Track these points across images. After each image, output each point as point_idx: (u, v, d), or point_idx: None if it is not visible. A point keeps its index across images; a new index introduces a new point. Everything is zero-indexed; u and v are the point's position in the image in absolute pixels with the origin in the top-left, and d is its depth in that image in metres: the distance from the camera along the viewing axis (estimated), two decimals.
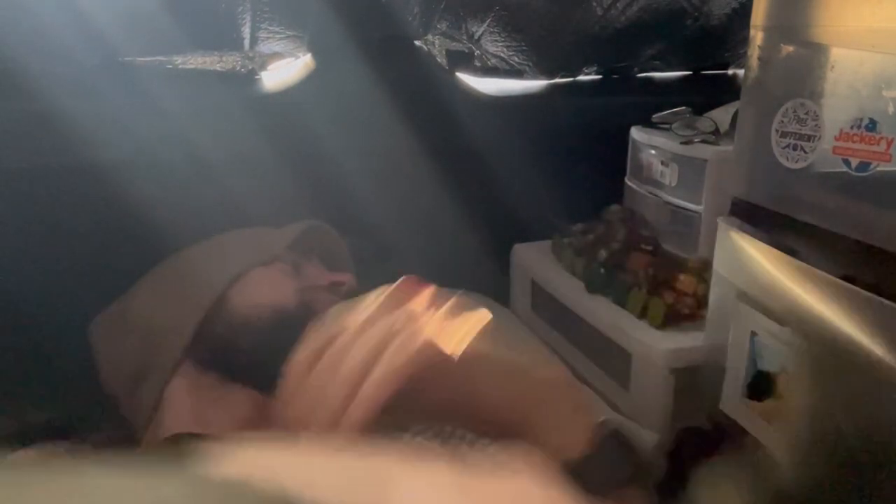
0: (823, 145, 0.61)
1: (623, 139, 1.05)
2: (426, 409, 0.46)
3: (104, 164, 0.84)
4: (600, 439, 0.49)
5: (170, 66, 0.94)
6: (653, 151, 0.98)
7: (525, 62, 1.14)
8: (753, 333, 0.69)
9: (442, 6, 0.99)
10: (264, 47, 0.97)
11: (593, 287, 0.93)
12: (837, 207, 0.62)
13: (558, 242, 1.05)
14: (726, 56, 1.25)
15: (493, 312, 1.12)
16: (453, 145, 1.06)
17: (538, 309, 1.08)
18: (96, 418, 0.71)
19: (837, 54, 0.60)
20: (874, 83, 0.56)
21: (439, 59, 1.11)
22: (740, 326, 0.71)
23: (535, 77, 1.18)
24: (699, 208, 0.89)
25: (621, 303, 0.87)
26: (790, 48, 0.65)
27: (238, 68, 0.99)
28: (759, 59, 0.68)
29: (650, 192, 0.99)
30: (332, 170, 0.99)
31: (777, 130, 0.66)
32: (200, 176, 0.88)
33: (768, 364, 0.68)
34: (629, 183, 1.05)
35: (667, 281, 0.86)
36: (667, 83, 1.27)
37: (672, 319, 0.82)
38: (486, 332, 0.46)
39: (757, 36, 0.68)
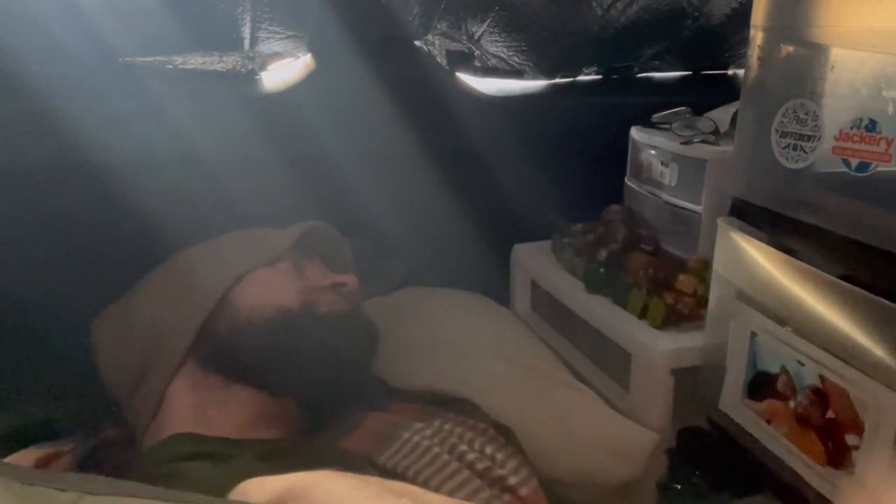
0: (823, 145, 0.61)
1: (623, 139, 1.05)
2: None
3: (104, 164, 0.84)
4: None
5: (170, 66, 0.94)
6: (653, 151, 0.98)
7: (525, 62, 1.14)
8: (753, 333, 0.69)
9: (442, 6, 0.99)
10: (264, 47, 0.97)
11: (593, 287, 0.93)
12: (837, 207, 0.62)
13: (558, 242, 1.05)
14: (726, 56, 1.25)
15: (493, 312, 1.13)
16: (453, 145, 1.06)
17: (538, 309, 1.08)
18: (96, 418, 0.71)
19: (837, 54, 0.60)
20: (874, 83, 0.56)
21: (439, 59, 1.11)
22: (740, 326, 0.71)
23: (535, 77, 1.18)
24: (699, 208, 0.89)
25: (621, 303, 0.88)
26: (790, 48, 0.65)
27: (238, 68, 0.99)
28: (759, 59, 0.68)
29: (650, 192, 0.99)
30: (332, 170, 0.99)
31: (777, 130, 0.66)
32: (200, 176, 0.88)
33: (768, 364, 0.68)
34: (629, 183, 1.06)
35: (667, 281, 0.86)
36: (667, 83, 1.27)
37: (672, 319, 0.82)
38: None
39: (757, 36, 0.68)
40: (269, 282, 0.71)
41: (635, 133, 1.04)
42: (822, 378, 0.62)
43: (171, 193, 0.85)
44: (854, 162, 0.58)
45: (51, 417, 0.71)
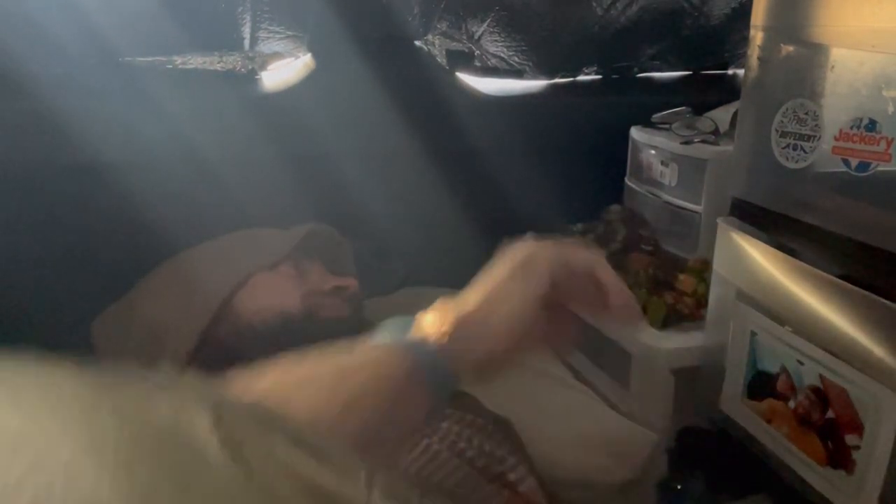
0: (823, 145, 0.61)
1: (623, 139, 1.05)
2: None
3: (104, 164, 0.84)
4: None
5: (170, 66, 0.94)
6: (653, 151, 0.98)
7: (525, 62, 1.14)
8: (753, 333, 0.69)
9: (442, 6, 0.99)
10: (264, 47, 0.97)
11: None
12: (837, 207, 0.62)
13: None
14: (726, 56, 1.25)
15: None
16: (453, 145, 1.06)
17: None
18: None
19: (837, 54, 0.60)
20: (874, 83, 0.56)
21: (439, 59, 1.11)
22: (740, 326, 0.71)
23: (535, 77, 1.18)
24: (699, 208, 0.89)
25: None
26: (790, 48, 0.65)
27: (238, 68, 0.99)
28: (759, 59, 0.68)
29: (650, 192, 0.99)
30: (332, 169, 0.99)
31: (777, 130, 0.66)
32: (200, 176, 0.88)
33: (768, 364, 0.68)
34: (629, 183, 1.05)
35: (667, 281, 0.86)
36: (667, 83, 1.27)
37: (672, 319, 0.82)
38: None
39: (757, 36, 0.68)
40: (272, 287, 0.71)
41: (635, 133, 1.04)
42: (821, 378, 0.62)
43: (172, 193, 0.85)
44: (854, 162, 0.58)
45: None
